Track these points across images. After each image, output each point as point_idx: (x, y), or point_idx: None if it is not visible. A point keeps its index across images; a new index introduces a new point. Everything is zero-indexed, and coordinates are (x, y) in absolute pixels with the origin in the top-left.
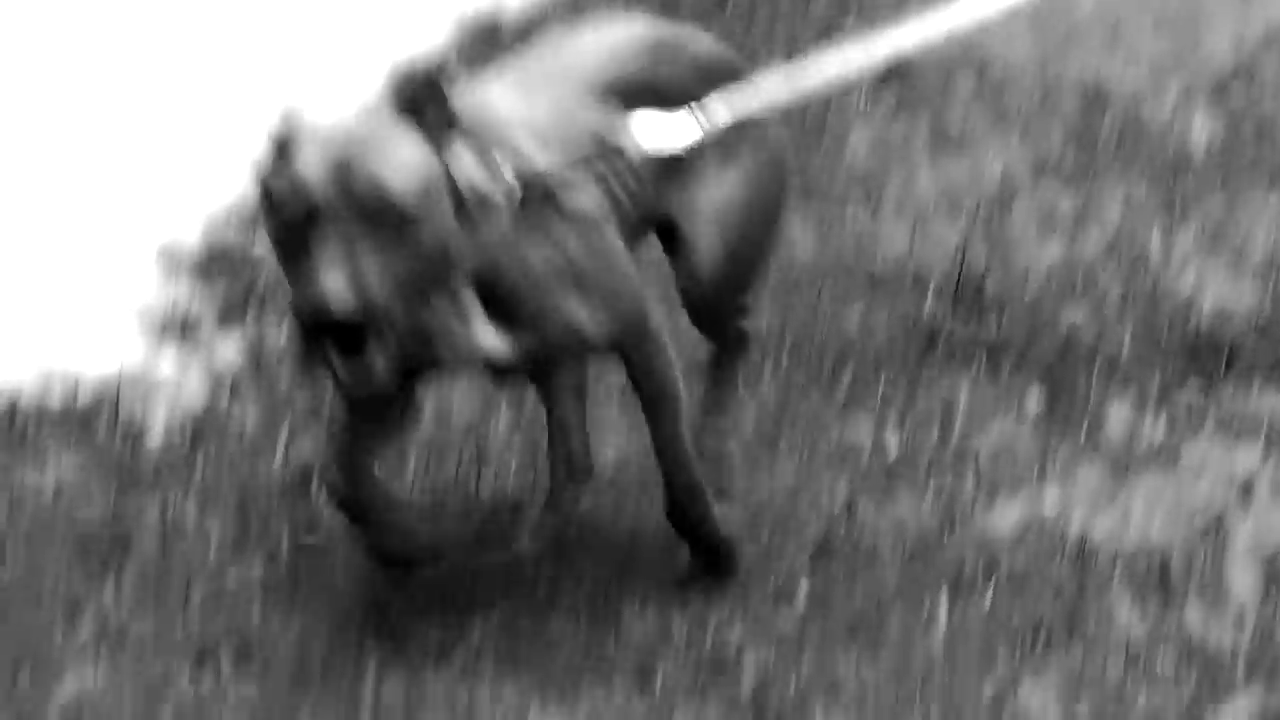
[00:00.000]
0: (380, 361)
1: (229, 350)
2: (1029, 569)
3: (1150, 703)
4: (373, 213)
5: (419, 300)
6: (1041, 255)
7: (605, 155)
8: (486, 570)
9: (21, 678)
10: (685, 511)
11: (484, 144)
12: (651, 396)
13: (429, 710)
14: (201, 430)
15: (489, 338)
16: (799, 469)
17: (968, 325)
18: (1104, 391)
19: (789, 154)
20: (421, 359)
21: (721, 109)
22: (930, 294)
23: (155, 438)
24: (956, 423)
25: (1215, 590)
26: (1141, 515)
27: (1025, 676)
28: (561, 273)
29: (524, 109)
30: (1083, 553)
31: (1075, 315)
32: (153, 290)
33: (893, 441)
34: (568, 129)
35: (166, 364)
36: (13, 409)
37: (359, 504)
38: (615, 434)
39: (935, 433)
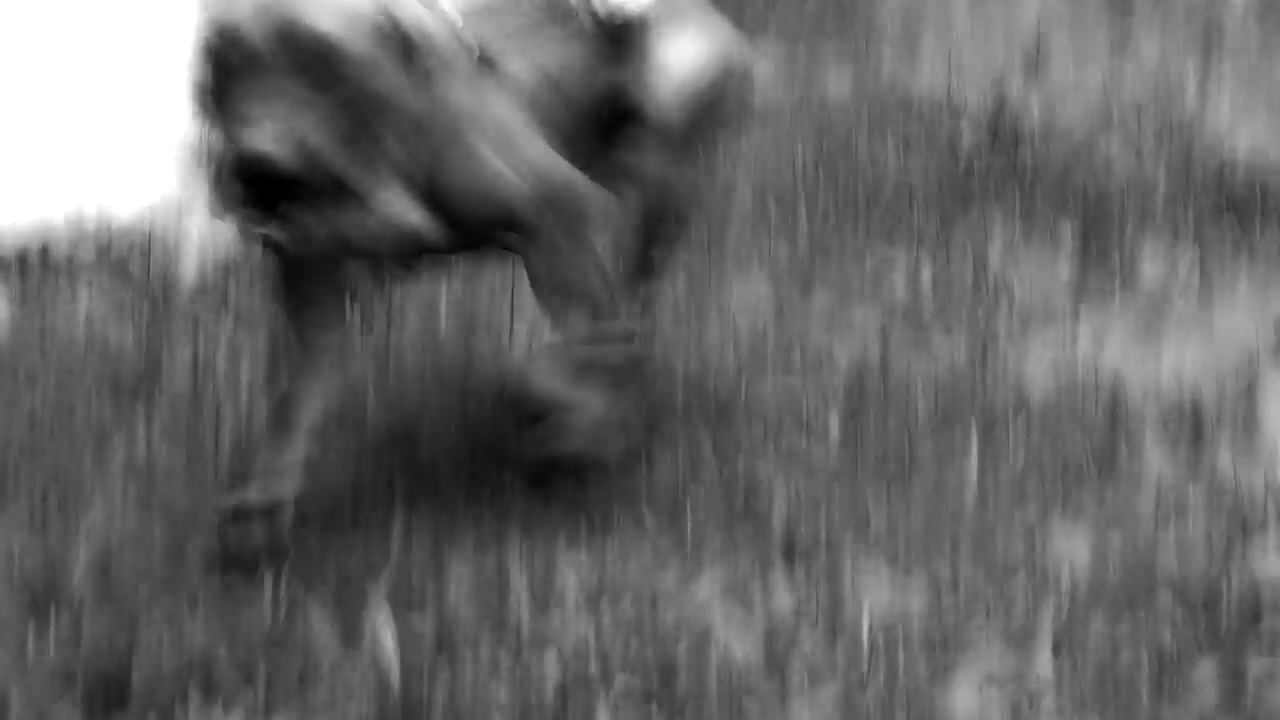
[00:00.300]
0: (314, 220)
1: None
2: (1061, 408)
3: (1180, 541)
4: (311, 62)
5: (355, 159)
6: (1077, 92)
7: (556, 19)
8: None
9: (51, 505)
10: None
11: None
12: (560, 290)
13: (458, 547)
14: (234, 268)
15: (413, 213)
16: (833, 304)
17: (1003, 161)
18: (1138, 231)
19: (740, 53)
20: (344, 235)
21: None
22: (966, 130)
23: (188, 275)
24: (990, 259)
25: (1246, 430)
26: (1174, 355)
27: (1056, 515)
28: (490, 135)
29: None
30: (1115, 392)
31: (1110, 153)
32: (187, 127)
33: (926, 277)
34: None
35: (200, 202)
36: (45, 247)
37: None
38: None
39: (969, 269)
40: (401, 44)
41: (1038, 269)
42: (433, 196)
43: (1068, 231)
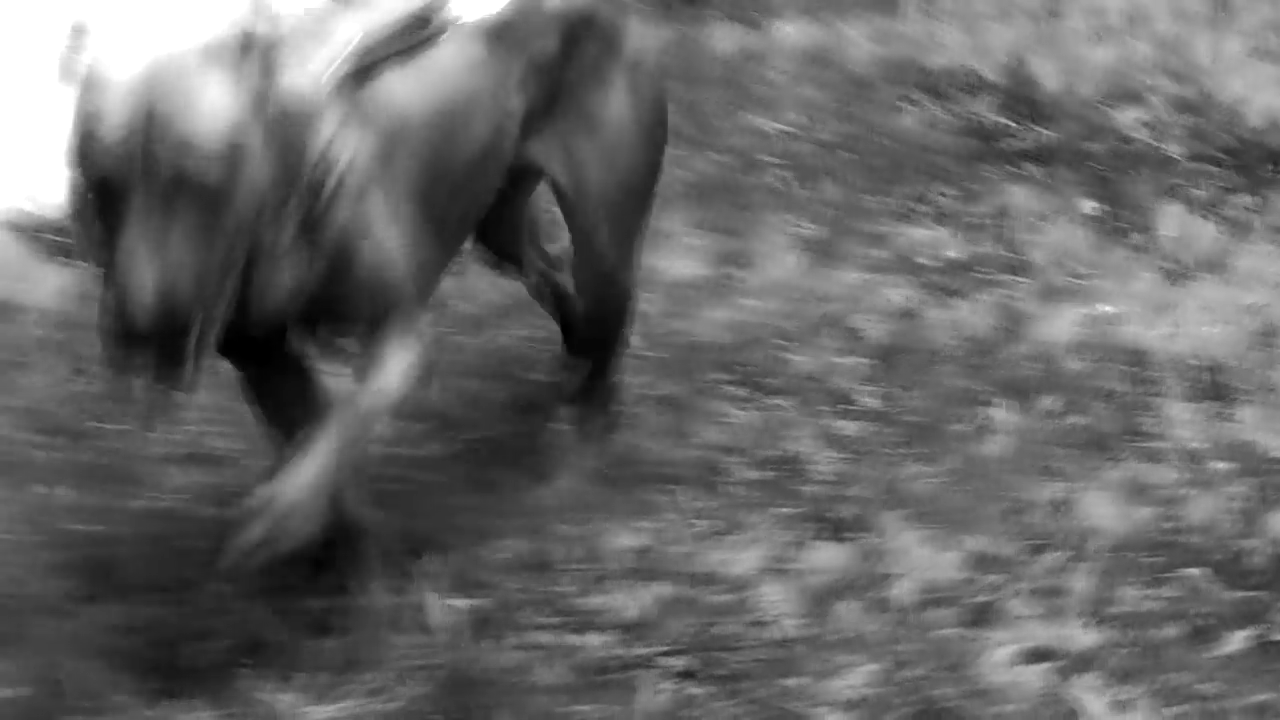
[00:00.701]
0: (193, 358)
1: None
2: (1085, 374)
3: (1206, 506)
4: (178, 180)
5: (229, 277)
6: (1093, 59)
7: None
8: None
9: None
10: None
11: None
12: (347, 403)
13: (504, 527)
14: None
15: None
16: (859, 275)
17: (1023, 129)
18: (1156, 196)
19: (662, 71)
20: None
21: None
22: (986, 99)
23: None
24: (1013, 226)
25: (1268, 394)
26: (1194, 320)
27: (1083, 481)
28: (359, 250)
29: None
30: (1137, 360)
31: (1127, 119)
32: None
33: (950, 245)
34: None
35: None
36: None
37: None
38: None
39: (991, 237)
40: (284, 133)
41: (1059, 239)
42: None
43: (1087, 201)
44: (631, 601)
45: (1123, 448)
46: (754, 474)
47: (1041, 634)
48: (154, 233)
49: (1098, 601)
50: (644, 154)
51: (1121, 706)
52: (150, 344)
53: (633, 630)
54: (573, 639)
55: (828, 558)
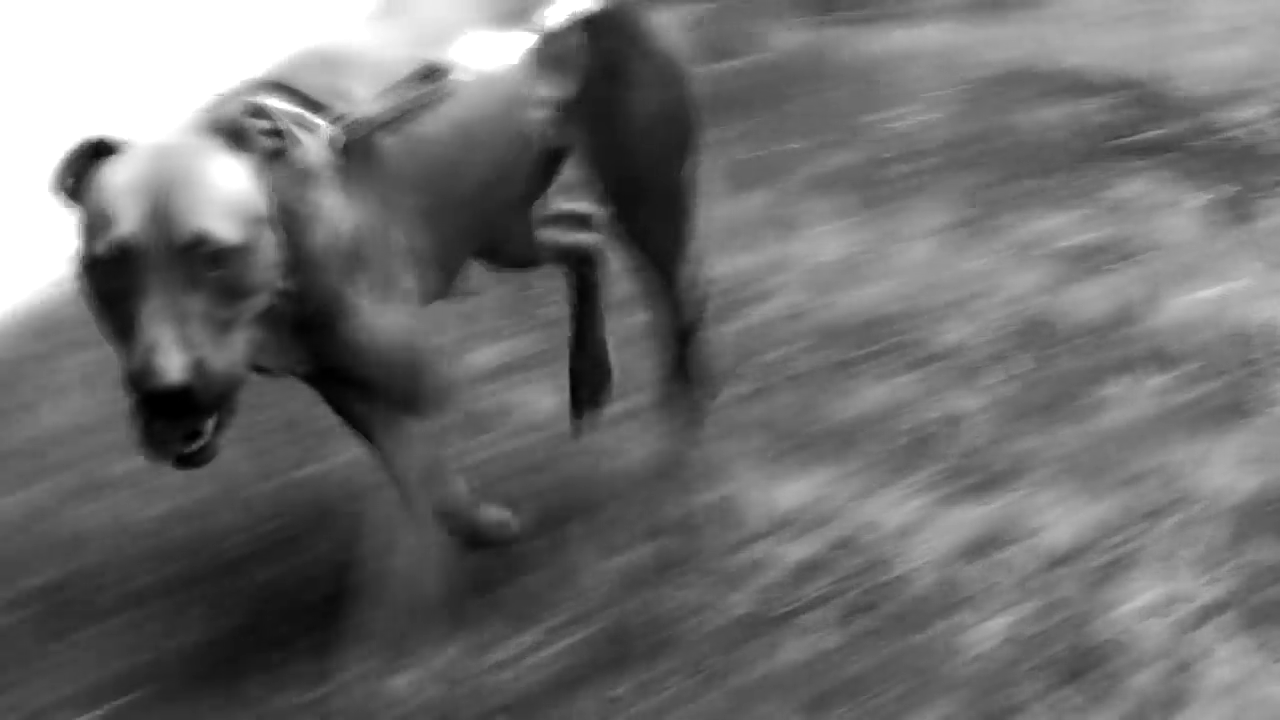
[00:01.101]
0: (216, 430)
1: None
2: (1205, 349)
3: None
4: (193, 256)
5: (245, 342)
6: (1210, 60)
7: (431, 80)
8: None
9: None
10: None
11: (326, 83)
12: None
13: (657, 487)
14: None
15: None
16: (992, 259)
17: (1143, 124)
18: (1267, 189)
19: (687, 60)
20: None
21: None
22: (1109, 97)
23: None
24: (1133, 215)
25: None
26: None
27: (1209, 446)
28: (368, 338)
29: (378, 43)
30: (1255, 335)
31: (1241, 116)
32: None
33: (1075, 232)
34: (417, 56)
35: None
36: None
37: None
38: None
39: (1113, 224)
40: (285, 223)
41: (1176, 227)
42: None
43: (1203, 193)
44: (780, 558)
45: (1246, 416)
46: (898, 439)
47: (1171, 587)
48: (172, 304)
49: (1225, 555)
50: (670, 143)
51: (1249, 655)
52: (178, 413)
53: (780, 585)
54: (722, 594)
55: (968, 516)
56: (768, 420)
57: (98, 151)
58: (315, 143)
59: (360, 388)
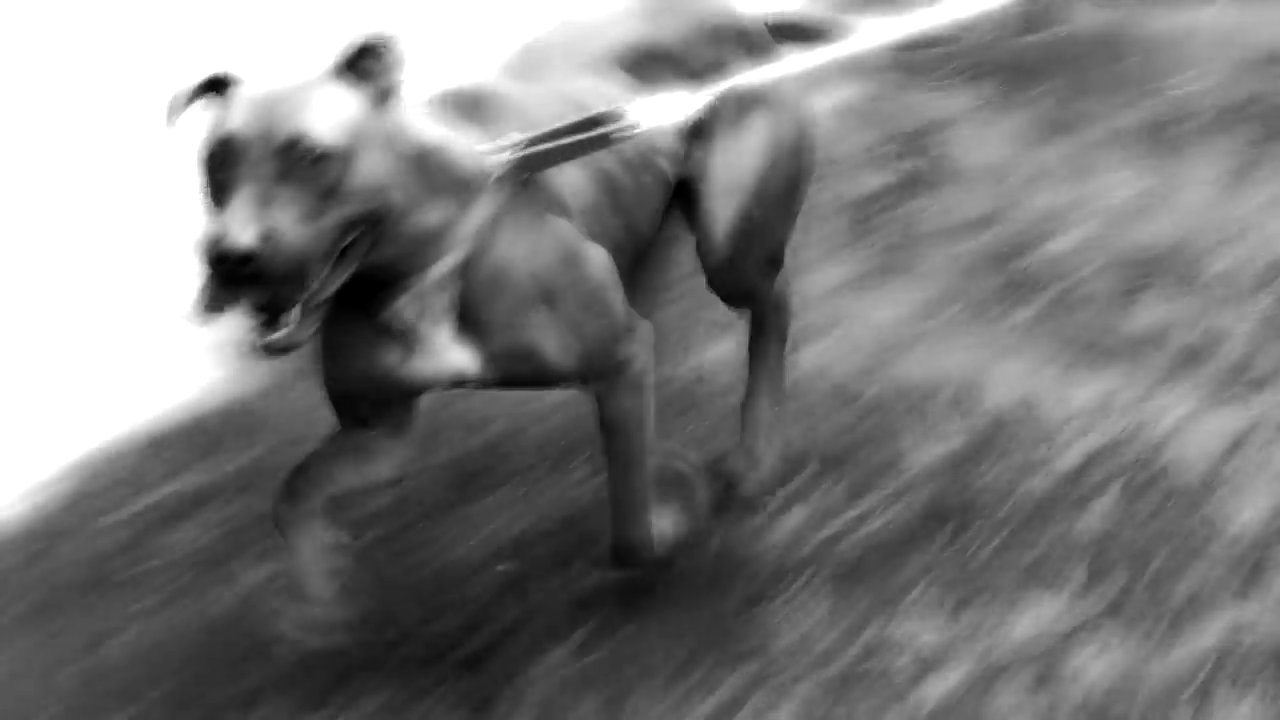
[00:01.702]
0: (297, 319)
1: None
2: None
3: None
4: (290, 153)
5: (325, 231)
6: None
7: (597, 125)
8: None
9: None
10: (625, 550)
11: (471, 121)
12: (614, 429)
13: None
14: None
15: (456, 353)
16: (1251, 207)
17: None
18: None
19: (809, 113)
20: (387, 374)
21: (737, 78)
22: None
23: None
24: None
25: None
26: None
27: None
28: (534, 281)
29: (520, 91)
30: None
31: None
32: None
33: None
34: (562, 106)
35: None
36: None
37: (285, 517)
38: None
39: None
40: (417, 157)
41: None
42: (475, 330)
43: None
44: (1071, 446)
45: None
46: (1172, 350)
47: None
48: (262, 191)
49: None
50: (782, 192)
51: None
52: (243, 285)
53: (1072, 470)
54: (1023, 476)
55: (1233, 416)
56: (1064, 334)
57: (219, 85)
58: (472, 145)
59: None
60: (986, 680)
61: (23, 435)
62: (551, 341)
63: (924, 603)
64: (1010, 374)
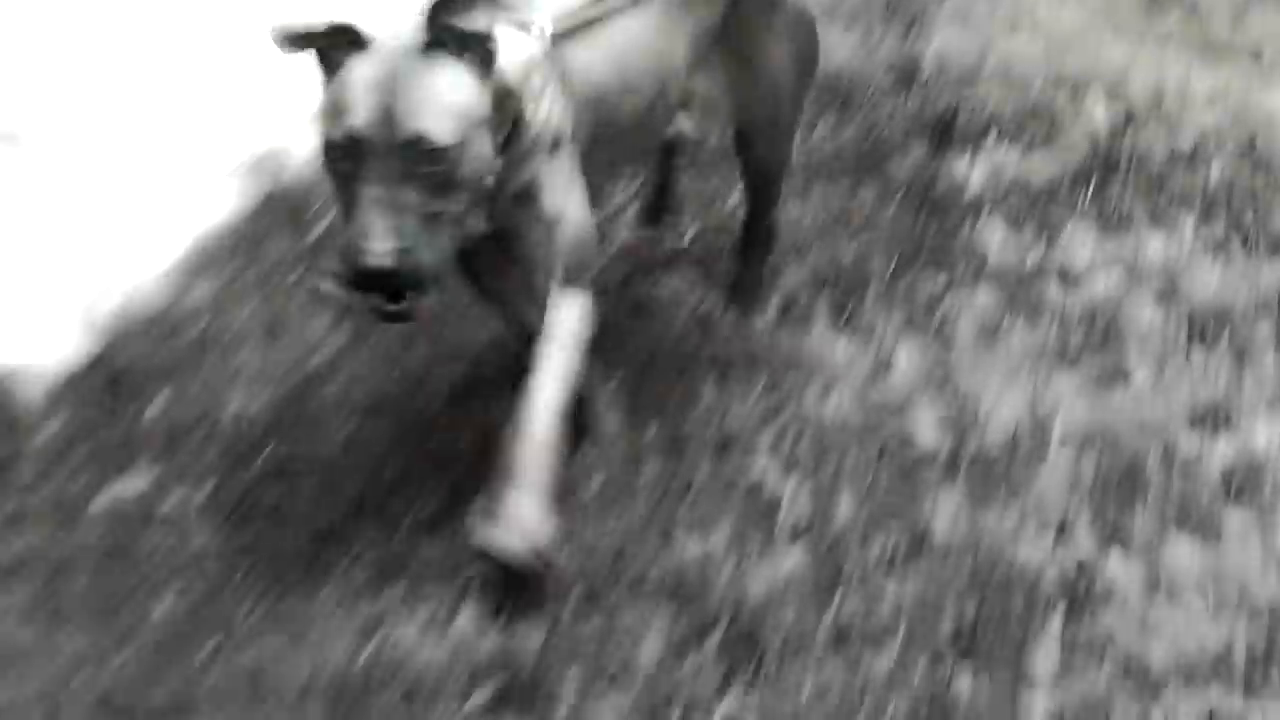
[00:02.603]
0: (420, 302)
1: None
2: None
3: None
4: (410, 151)
5: (451, 238)
6: None
7: None
8: None
9: None
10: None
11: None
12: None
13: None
14: None
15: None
16: None
17: None
18: None
19: (811, 13)
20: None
21: None
22: None
23: None
24: None
25: None
26: None
27: None
28: (548, 209)
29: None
30: None
31: None
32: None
33: None
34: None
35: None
36: None
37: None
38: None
39: None
40: (514, 127)
41: None
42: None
43: None
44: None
45: None
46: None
47: None
48: (390, 191)
49: None
50: (797, 86)
51: None
52: (382, 287)
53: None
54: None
55: None
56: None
57: (345, 39)
58: (527, 47)
59: (526, 257)
60: (1127, 286)
61: None
62: (538, 269)
63: (1078, 233)
64: (1148, 67)
